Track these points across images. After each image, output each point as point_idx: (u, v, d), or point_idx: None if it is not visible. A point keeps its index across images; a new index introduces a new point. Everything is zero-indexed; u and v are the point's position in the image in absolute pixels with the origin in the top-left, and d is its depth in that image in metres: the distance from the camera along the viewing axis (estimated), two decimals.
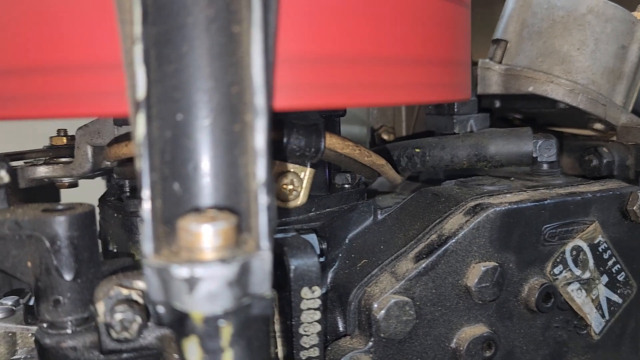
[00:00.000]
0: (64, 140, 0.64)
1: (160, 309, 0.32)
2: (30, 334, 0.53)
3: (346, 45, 0.39)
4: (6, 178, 0.40)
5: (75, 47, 0.38)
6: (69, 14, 0.37)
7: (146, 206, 0.32)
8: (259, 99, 0.32)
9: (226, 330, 0.31)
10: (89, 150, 0.60)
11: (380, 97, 0.40)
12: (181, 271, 0.30)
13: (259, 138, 0.32)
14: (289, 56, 0.37)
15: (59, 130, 0.65)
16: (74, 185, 0.64)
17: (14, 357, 0.54)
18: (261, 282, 0.32)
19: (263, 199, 0.32)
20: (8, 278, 0.62)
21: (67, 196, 0.68)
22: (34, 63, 0.39)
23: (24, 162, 0.61)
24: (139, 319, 0.36)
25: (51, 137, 0.64)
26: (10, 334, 0.53)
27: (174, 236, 0.32)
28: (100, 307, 0.38)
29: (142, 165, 0.32)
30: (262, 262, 0.31)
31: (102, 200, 0.57)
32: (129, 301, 0.37)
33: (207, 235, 0.31)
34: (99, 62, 0.37)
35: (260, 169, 0.32)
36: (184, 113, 0.33)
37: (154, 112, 0.33)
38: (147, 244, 0.32)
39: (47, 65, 0.38)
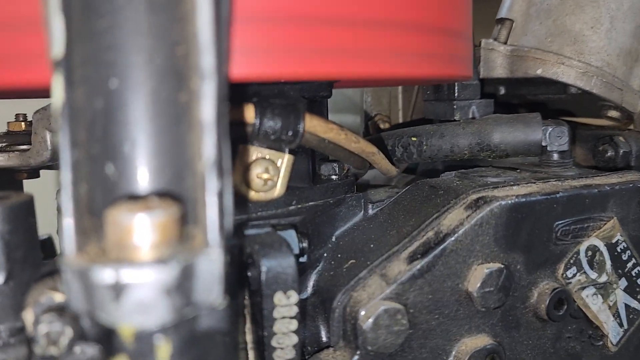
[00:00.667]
0: (23, 126, 0.58)
1: (85, 321, 0.26)
2: None
3: (322, 4, 0.32)
4: None
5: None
6: None
7: (66, 192, 0.26)
8: (207, 61, 0.26)
9: (163, 350, 0.25)
10: (48, 136, 0.53)
11: (362, 66, 0.34)
12: (105, 275, 0.23)
13: (207, 108, 0.26)
14: (251, 14, 0.30)
15: (17, 115, 0.59)
16: (33, 175, 0.57)
17: None
18: (210, 288, 0.25)
19: (213, 184, 0.26)
20: None
21: (29, 189, 0.62)
22: None
23: None
24: (69, 331, 0.30)
25: (8, 123, 0.58)
26: None
27: (102, 231, 0.26)
28: (28, 316, 0.32)
29: (61, 140, 0.26)
30: (211, 262, 0.25)
31: (60, 192, 0.50)
32: (60, 310, 0.31)
33: (140, 228, 0.24)
34: (21, 19, 0.30)
35: (208, 146, 0.26)
36: (120, 78, 0.27)
37: (78, 74, 0.26)
38: (67, 241, 0.26)
39: None
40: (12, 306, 0.36)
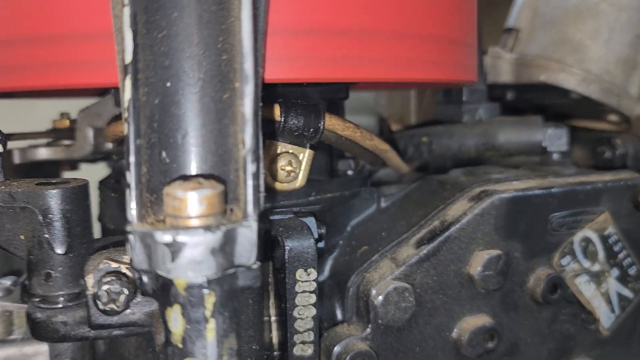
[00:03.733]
0: (67, 123, 0.64)
1: (145, 278, 0.31)
2: None
3: (339, 18, 0.38)
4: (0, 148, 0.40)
5: (77, 16, 0.38)
6: None
7: (132, 172, 0.31)
8: (248, 65, 0.32)
9: (210, 299, 0.30)
10: (90, 132, 0.59)
11: (375, 71, 0.39)
12: (165, 237, 0.29)
13: (247, 105, 0.31)
14: (280, 27, 0.36)
15: (61, 114, 0.65)
16: (75, 167, 0.63)
17: (11, 337, 0.53)
18: (247, 252, 0.31)
19: (250, 167, 0.31)
20: (7, 258, 0.62)
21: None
22: (37, 33, 0.38)
23: (28, 144, 0.61)
24: (126, 291, 0.36)
25: (54, 120, 0.64)
26: (7, 313, 0.52)
27: (160, 204, 0.32)
28: (90, 280, 0.38)
29: (129, 130, 0.31)
30: (248, 231, 0.30)
31: (102, 182, 0.56)
32: (118, 273, 0.37)
33: (192, 202, 0.30)
34: (97, 31, 0.36)
35: (247, 136, 0.31)
36: (173, 80, 0.32)
37: (141, 77, 0.32)
38: (131, 211, 0.31)
39: (49, 34, 0.38)
40: (71, 275, 0.41)
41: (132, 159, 0.31)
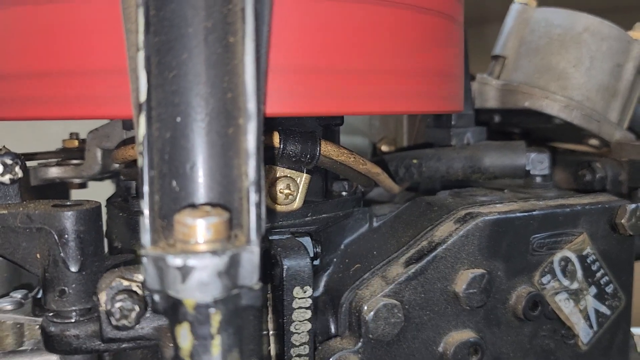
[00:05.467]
0: (76, 143, 0.67)
1: (156, 297, 0.35)
2: (37, 326, 0.56)
3: (334, 58, 0.41)
4: (20, 173, 0.43)
5: (92, 54, 0.41)
6: (85, 25, 0.40)
7: (146, 201, 0.35)
8: (251, 104, 0.35)
9: (216, 318, 0.33)
10: (99, 153, 0.63)
11: (367, 106, 0.42)
12: (176, 261, 0.32)
13: (251, 140, 0.35)
14: (280, 66, 0.39)
15: (71, 134, 0.68)
16: (83, 186, 0.66)
17: (21, 348, 0.56)
18: (250, 274, 0.34)
19: (253, 197, 0.35)
20: (18, 272, 0.65)
21: (77, 197, 0.71)
22: (57, 67, 0.42)
23: (38, 163, 0.64)
24: (137, 308, 0.39)
25: (64, 140, 0.68)
26: (18, 325, 0.55)
27: (171, 230, 0.35)
28: (102, 297, 0.41)
29: (143, 162, 0.35)
30: (251, 255, 0.34)
31: (109, 201, 0.59)
32: (129, 291, 0.40)
33: (200, 228, 0.33)
34: (112, 68, 0.40)
35: (251, 169, 0.35)
36: (182, 116, 0.36)
37: (154, 114, 0.35)
38: (145, 236, 0.34)
39: (68, 69, 0.41)
40: (84, 291, 0.45)
41: (146, 188, 0.35)
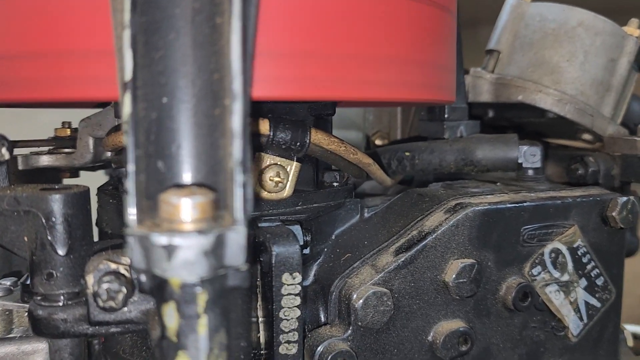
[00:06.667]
0: (68, 131, 0.67)
1: (143, 277, 0.34)
2: (26, 313, 0.56)
3: (323, 42, 0.41)
4: (6, 155, 0.43)
5: (85, 34, 0.41)
6: (77, 4, 0.40)
7: (131, 180, 0.34)
8: (237, 85, 0.35)
9: (202, 297, 0.33)
10: (91, 141, 0.62)
11: (354, 91, 0.42)
12: (161, 239, 0.32)
13: (236, 120, 0.35)
14: (267, 50, 0.39)
15: (63, 123, 0.68)
16: (75, 175, 0.66)
17: (10, 335, 0.56)
18: (236, 254, 0.34)
19: (239, 177, 0.35)
20: (8, 260, 0.65)
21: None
22: (50, 47, 0.42)
23: (30, 151, 0.64)
24: (124, 290, 0.39)
25: (55, 129, 0.68)
26: (7, 312, 0.55)
27: (156, 210, 0.35)
28: (90, 279, 0.40)
29: (128, 141, 0.35)
30: (237, 235, 0.34)
31: (100, 189, 0.59)
32: (117, 274, 0.40)
33: (186, 207, 0.33)
34: (105, 48, 0.40)
35: (236, 149, 0.35)
36: (169, 97, 0.36)
37: (140, 93, 0.35)
38: (130, 215, 0.34)
39: (61, 49, 0.41)
40: (72, 275, 0.44)
41: (131, 167, 0.35)
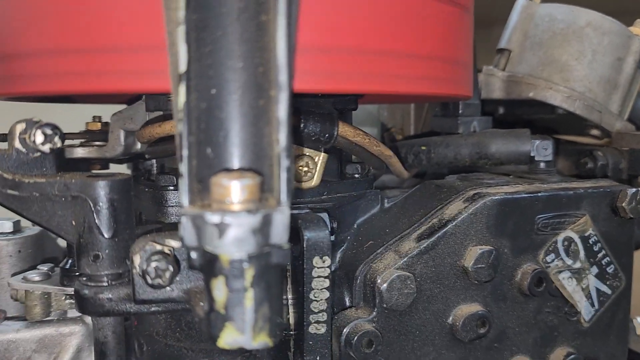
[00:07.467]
0: (99, 125, 0.70)
1: (193, 254, 0.37)
2: (63, 297, 0.59)
3: (356, 39, 0.44)
4: (59, 143, 0.46)
5: (129, 30, 0.44)
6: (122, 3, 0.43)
7: (185, 164, 0.37)
8: (282, 77, 0.38)
9: (249, 272, 0.36)
10: (122, 134, 0.65)
11: (385, 85, 0.45)
12: (213, 218, 0.35)
13: (282, 110, 0.38)
14: (307, 46, 0.42)
15: (94, 117, 0.71)
16: (105, 167, 0.69)
17: (48, 318, 0.59)
18: (280, 233, 0.37)
19: (284, 162, 0.38)
20: (41, 248, 0.68)
21: None
22: (96, 43, 0.44)
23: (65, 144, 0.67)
24: (171, 268, 0.41)
25: (87, 123, 0.70)
26: (46, 296, 0.58)
27: (206, 192, 0.37)
28: (137, 259, 0.43)
29: (182, 128, 0.37)
30: (282, 215, 0.36)
31: (134, 178, 0.62)
32: (163, 253, 0.42)
33: (235, 189, 0.36)
34: (153, 44, 0.42)
35: (282, 136, 0.37)
36: (217, 88, 0.38)
37: (192, 85, 0.38)
38: (184, 196, 0.37)
39: (106, 45, 0.44)
40: (116, 257, 0.47)
41: (185, 152, 0.37)
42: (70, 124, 0.73)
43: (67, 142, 0.68)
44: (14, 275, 0.62)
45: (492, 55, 0.83)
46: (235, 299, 0.36)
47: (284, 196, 0.38)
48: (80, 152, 0.65)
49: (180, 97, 0.37)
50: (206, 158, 0.38)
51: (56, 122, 0.49)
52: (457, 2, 0.52)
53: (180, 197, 0.37)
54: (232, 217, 0.35)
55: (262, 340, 0.37)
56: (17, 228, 0.67)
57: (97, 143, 0.67)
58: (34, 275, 0.58)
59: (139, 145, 0.66)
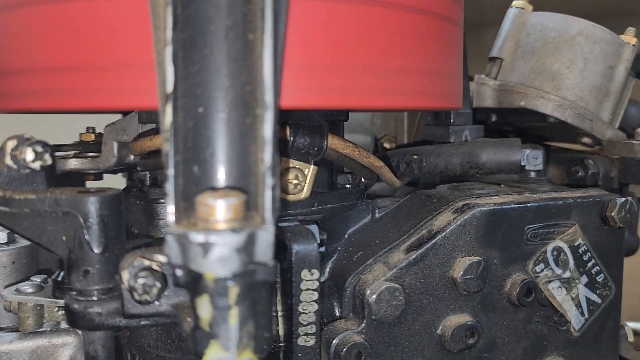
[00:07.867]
0: (92, 136, 0.70)
1: (178, 272, 0.38)
2: (56, 309, 0.59)
3: (344, 56, 0.44)
4: (49, 161, 0.46)
5: (116, 48, 0.44)
6: (110, 21, 0.44)
7: (170, 183, 0.38)
8: (268, 96, 0.38)
9: (233, 290, 0.36)
10: (115, 146, 0.66)
11: (370, 101, 0.46)
12: (198, 237, 0.35)
13: (267, 129, 0.38)
14: (294, 64, 0.43)
15: (88, 128, 0.71)
16: (99, 177, 0.69)
17: (41, 329, 0.59)
18: (265, 251, 0.37)
19: (269, 180, 0.38)
20: (35, 259, 0.68)
21: None
22: (84, 61, 0.45)
23: (56, 155, 0.67)
24: (158, 284, 0.42)
25: (81, 134, 0.71)
26: (38, 307, 0.58)
27: (192, 210, 0.38)
28: (125, 275, 0.44)
29: (169, 148, 0.38)
30: (267, 233, 0.37)
31: (125, 190, 0.62)
32: (150, 270, 0.43)
33: (220, 208, 0.36)
34: (140, 61, 0.43)
35: (267, 155, 0.38)
36: (204, 106, 0.39)
37: (179, 104, 0.38)
38: (170, 215, 0.37)
39: (94, 63, 0.45)
40: (106, 272, 0.48)
41: (171, 172, 0.38)
42: (64, 134, 0.74)
43: (61, 153, 0.68)
44: (7, 286, 0.62)
45: (483, 58, 0.84)
46: (220, 317, 0.37)
47: (268, 214, 0.38)
48: (73, 164, 0.65)
49: (167, 117, 0.38)
50: (192, 176, 0.39)
51: (51, 132, 0.49)
52: (444, 16, 0.53)
53: (166, 217, 0.37)
54: (217, 236, 0.35)
55: (247, 357, 0.37)
56: (11, 239, 0.68)
57: (91, 154, 0.68)
58: (26, 287, 0.59)
59: (132, 157, 0.67)
